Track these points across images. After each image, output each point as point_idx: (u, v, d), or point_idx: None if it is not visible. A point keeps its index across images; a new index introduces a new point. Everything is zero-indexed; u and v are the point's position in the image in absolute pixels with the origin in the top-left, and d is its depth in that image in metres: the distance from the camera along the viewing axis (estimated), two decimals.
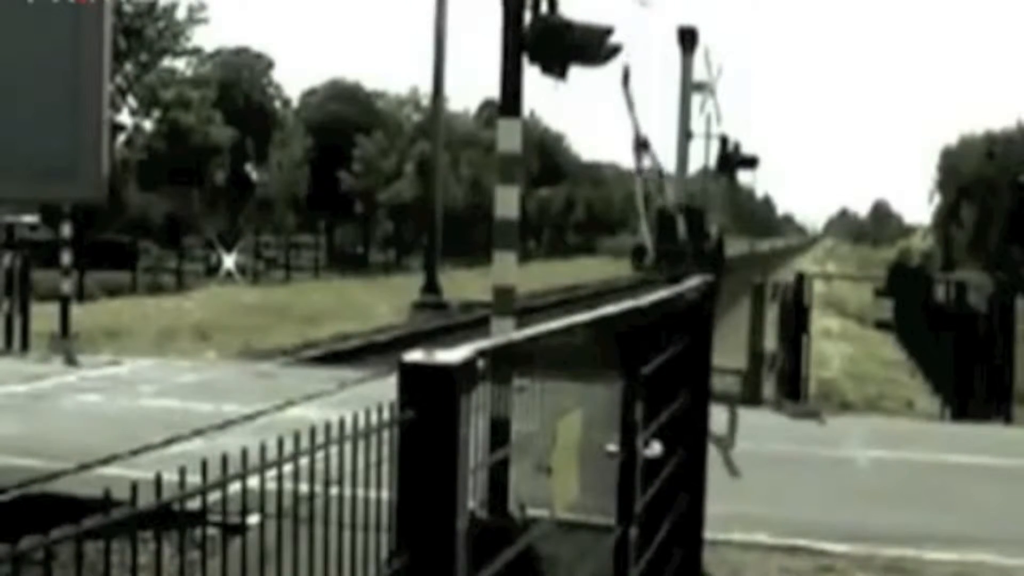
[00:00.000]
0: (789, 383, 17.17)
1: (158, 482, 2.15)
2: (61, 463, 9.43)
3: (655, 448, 4.77)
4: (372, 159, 75.42)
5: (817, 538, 8.64)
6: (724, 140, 27.42)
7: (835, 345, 26.80)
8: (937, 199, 78.72)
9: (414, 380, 2.51)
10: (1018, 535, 8.91)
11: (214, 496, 2.31)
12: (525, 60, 8.65)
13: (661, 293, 5.88)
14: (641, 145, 21.79)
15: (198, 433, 10.93)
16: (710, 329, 7.26)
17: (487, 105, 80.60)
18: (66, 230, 19.64)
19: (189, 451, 9.81)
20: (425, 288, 29.51)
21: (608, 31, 8.83)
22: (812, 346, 18.07)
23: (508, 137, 8.85)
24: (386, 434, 2.62)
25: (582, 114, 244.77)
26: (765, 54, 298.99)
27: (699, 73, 22.65)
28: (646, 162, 21.74)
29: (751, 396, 17.01)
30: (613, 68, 9.10)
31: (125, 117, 57.54)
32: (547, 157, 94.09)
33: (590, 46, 8.78)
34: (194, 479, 2.25)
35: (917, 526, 9.11)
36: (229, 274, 45.56)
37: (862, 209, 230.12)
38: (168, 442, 10.76)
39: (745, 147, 28.30)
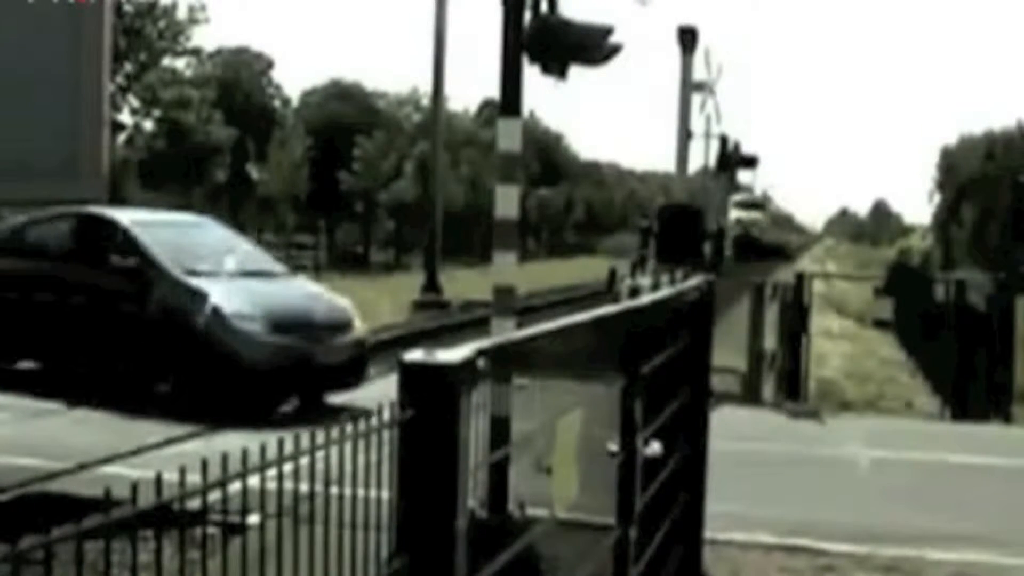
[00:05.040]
0: (789, 383, 17.18)
1: (158, 482, 2.16)
2: (61, 463, 9.43)
3: (655, 448, 4.77)
4: (372, 159, 75.49)
5: (817, 538, 8.64)
6: (724, 140, 27.47)
7: (835, 344, 26.80)
8: (937, 199, 78.81)
9: (414, 380, 2.51)
10: (1018, 535, 8.90)
11: (214, 496, 2.32)
12: (525, 60, 8.65)
13: (661, 293, 5.88)
14: None
15: (198, 432, 10.93)
16: (710, 328, 7.27)
17: (487, 105, 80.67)
18: None
19: (189, 450, 9.82)
20: (426, 287, 29.52)
21: (608, 31, 8.83)
22: (812, 346, 18.08)
23: (508, 137, 8.85)
24: (386, 434, 2.62)
25: (582, 114, 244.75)
26: (765, 54, 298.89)
27: (699, 73, 22.70)
28: None
29: (751, 396, 17.02)
30: (613, 68, 9.08)
31: (125, 116, 57.62)
32: (547, 157, 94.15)
33: (590, 46, 8.78)
34: (194, 478, 2.25)
35: (917, 526, 9.11)
36: None
37: (862, 209, 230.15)
38: (168, 441, 10.76)
39: (745, 147, 28.36)
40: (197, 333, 12.33)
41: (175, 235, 14.02)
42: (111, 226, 13.60)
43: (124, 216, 14.12)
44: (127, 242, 13.24)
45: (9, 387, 12.77)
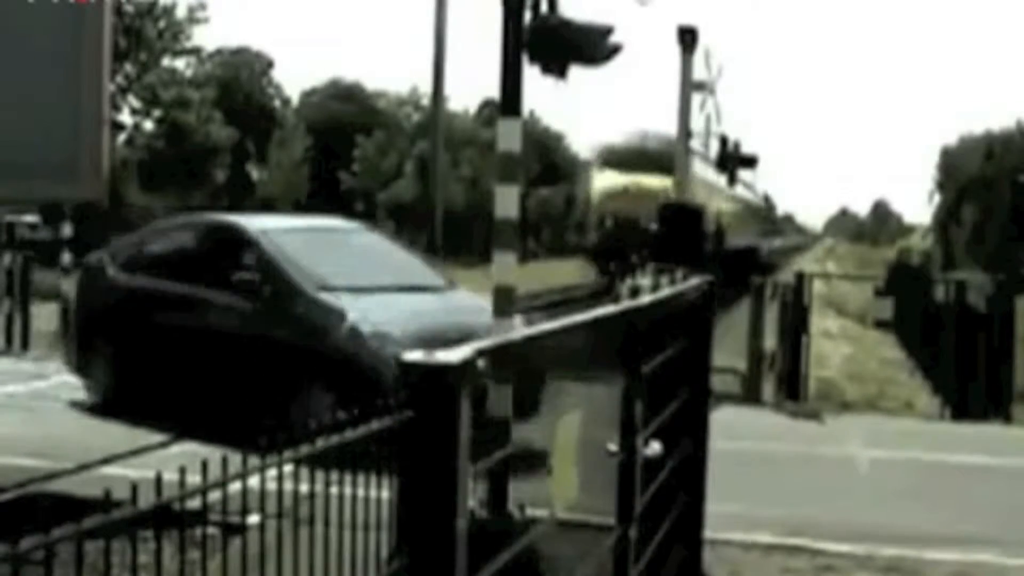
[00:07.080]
0: (789, 383, 17.19)
1: (158, 482, 2.16)
2: (61, 463, 9.43)
3: (655, 448, 4.77)
4: (372, 159, 75.44)
5: (817, 538, 8.65)
6: (724, 139, 27.41)
7: (835, 344, 26.80)
8: (937, 199, 78.75)
9: (413, 380, 2.51)
10: (1018, 535, 8.91)
11: (214, 496, 2.31)
12: (525, 60, 8.65)
13: (661, 292, 5.89)
14: None
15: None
16: (710, 329, 7.27)
17: (487, 105, 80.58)
18: (66, 230, 19.68)
19: (189, 451, 9.81)
20: None
21: (608, 30, 8.83)
22: (812, 345, 18.08)
23: (508, 137, 8.85)
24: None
25: (582, 113, 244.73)
26: (765, 54, 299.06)
27: (699, 73, 22.62)
28: None
29: (751, 396, 17.02)
30: (613, 68, 9.07)
31: (125, 117, 57.59)
32: (547, 157, 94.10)
33: (590, 46, 8.78)
34: (194, 479, 2.25)
35: (917, 526, 9.12)
36: None
37: (862, 209, 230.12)
38: (168, 442, 10.76)
39: (745, 147, 28.30)
40: (333, 355, 10.87)
41: (313, 244, 12.37)
42: (237, 236, 12.09)
43: (253, 224, 12.51)
44: (255, 254, 11.74)
45: (138, 417, 11.66)
